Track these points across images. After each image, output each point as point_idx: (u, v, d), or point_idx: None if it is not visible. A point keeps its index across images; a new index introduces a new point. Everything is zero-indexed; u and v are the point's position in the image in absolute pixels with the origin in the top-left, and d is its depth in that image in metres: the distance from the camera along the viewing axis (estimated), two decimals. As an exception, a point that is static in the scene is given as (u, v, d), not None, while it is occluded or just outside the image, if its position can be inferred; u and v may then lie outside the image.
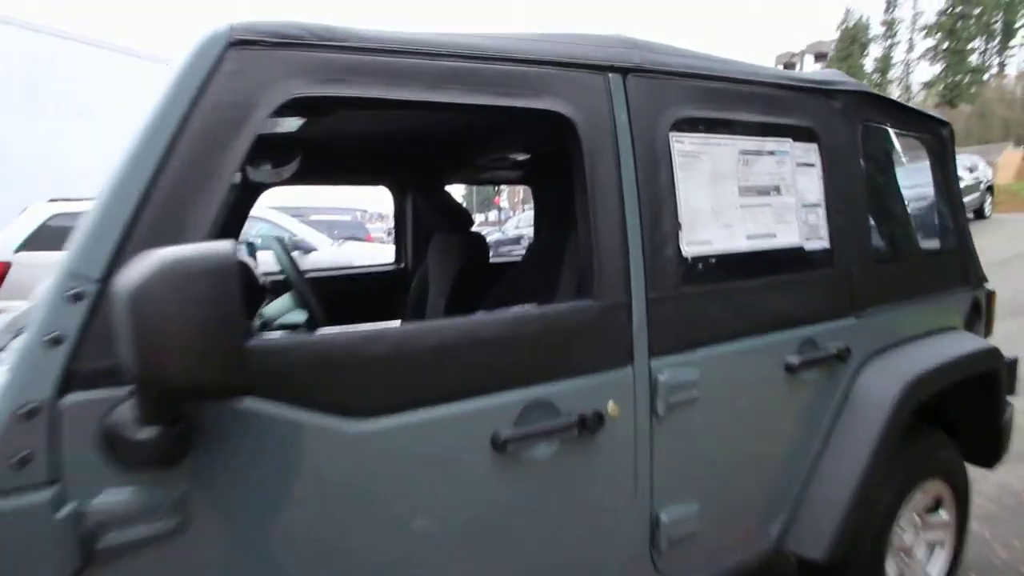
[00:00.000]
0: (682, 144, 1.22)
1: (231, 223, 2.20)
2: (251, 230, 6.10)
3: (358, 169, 2.41)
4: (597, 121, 1.10)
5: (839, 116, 1.52)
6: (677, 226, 1.19)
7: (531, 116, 1.05)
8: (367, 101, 0.90)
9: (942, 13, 30.66)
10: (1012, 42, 31.76)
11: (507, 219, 19.77)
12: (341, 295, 2.51)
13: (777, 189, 1.39)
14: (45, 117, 9.86)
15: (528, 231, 13.50)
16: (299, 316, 1.27)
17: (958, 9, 29.52)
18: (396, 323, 1.86)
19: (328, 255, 5.83)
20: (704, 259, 1.25)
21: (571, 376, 1.06)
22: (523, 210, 23.32)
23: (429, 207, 2.22)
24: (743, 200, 1.32)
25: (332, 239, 7.69)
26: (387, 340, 0.89)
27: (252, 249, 2.70)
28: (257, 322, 1.32)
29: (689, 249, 1.21)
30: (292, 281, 1.22)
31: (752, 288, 1.32)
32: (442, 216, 2.21)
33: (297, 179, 2.33)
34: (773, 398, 1.37)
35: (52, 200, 5.35)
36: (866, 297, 1.52)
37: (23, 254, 5.02)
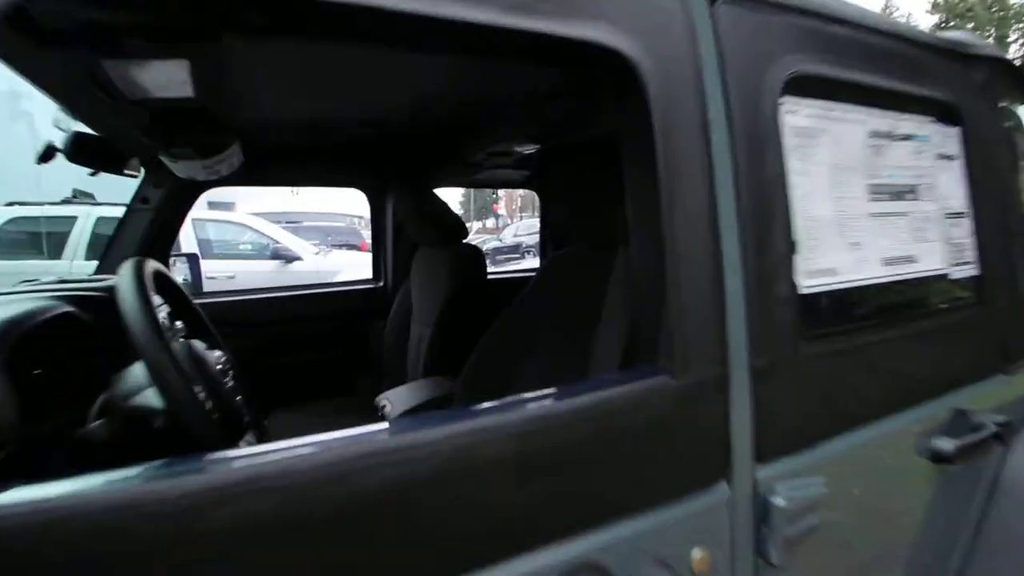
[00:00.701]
0: (796, 115, 0.77)
1: (162, 228, 1.73)
2: (231, 237, 5.64)
3: (324, 167, 1.95)
4: (672, 67, 0.65)
5: (981, 92, 1.07)
6: (791, 246, 0.73)
7: (571, 53, 0.61)
8: None
9: (935, 27, 30.80)
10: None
11: (505, 226, 19.35)
12: (303, 321, 2.04)
13: (914, 191, 0.94)
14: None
15: (527, 239, 13.10)
16: (154, 400, 0.80)
17: (951, 24, 29.56)
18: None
19: (312, 265, 5.36)
20: (828, 297, 0.79)
21: (621, 515, 0.60)
22: (520, 218, 22.92)
23: (412, 214, 1.76)
24: (874, 206, 0.87)
25: (325, 246, 7.25)
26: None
27: (194, 261, 2.25)
28: (100, 401, 0.85)
29: (809, 283, 0.76)
30: (139, 341, 0.74)
31: (891, 340, 0.86)
32: (428, 225, 1.75)
33: (245, 178, 1.87)
34: (913, 496, 0.92)
35: (9, 204, 4.89)
36: (1018, 345, 1.08)
37: None
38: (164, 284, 0.90)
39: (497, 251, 13.17)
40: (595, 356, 0.89)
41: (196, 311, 0.96)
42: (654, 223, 0.64)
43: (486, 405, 0.57)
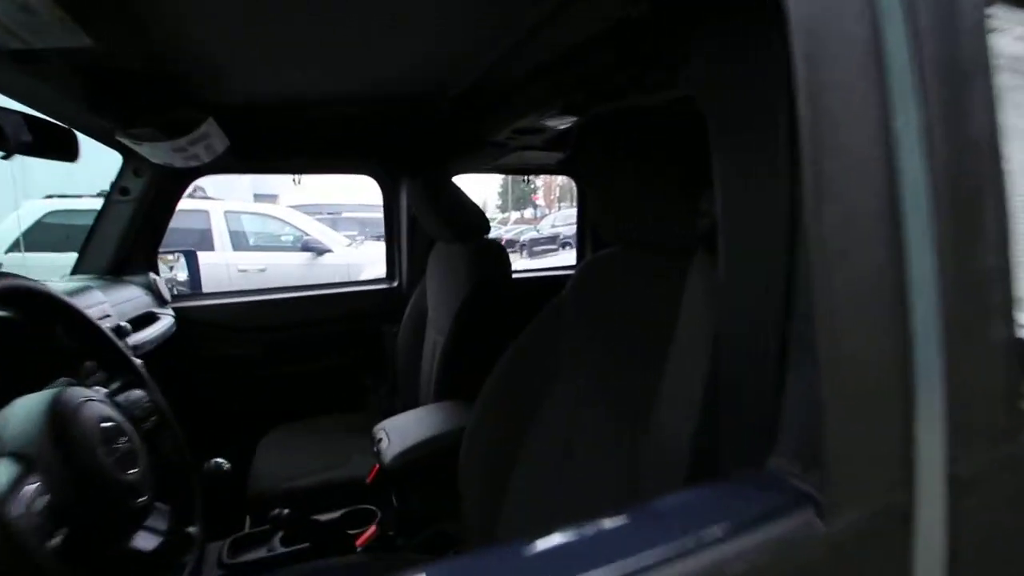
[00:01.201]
0: (1014, 39, 0.45)
1: (147, 223, 1.54)
2: (263, 229, 5.58)
3: (329, 151, 1.71)
4: None
5: None
6: (1006, 254, 0.42)
7: None
8: None
9: None
10: None
11: (543, 217, 18.98)
12: (309, 325, 1.82)
13: None
14: None
15: (565, 229, 12.72)
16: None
17: None
18: None
19: (342, 258, 5.22)
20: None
21: None
22: (559, 208, 22.45)
23: (425, 204, 1.50)
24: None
25: (362, 237, 7.13)
26: None
27: (191, 257, 2.07)
28: None
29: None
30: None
31: None
32: (443, 217, 1.48)
33: (238, 164, 1.66)
34: None
35: (48, 196, 4.95)
36: None
37: (14, 255, 4.61)
38: (47, 309, 0.67)
39: (534, 242, 12.86)
40: (665, 399, 0.61)
41: (108, 340, 0.73)
42: (774, 227, 0.34)
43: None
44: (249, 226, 5.40)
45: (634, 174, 0.73)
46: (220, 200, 5.10)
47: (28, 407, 0.54)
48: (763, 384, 0.41)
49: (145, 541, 0.58)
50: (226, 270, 4.70)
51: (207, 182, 5.48)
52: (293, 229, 5.55)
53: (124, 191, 1.49)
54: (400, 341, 1.74)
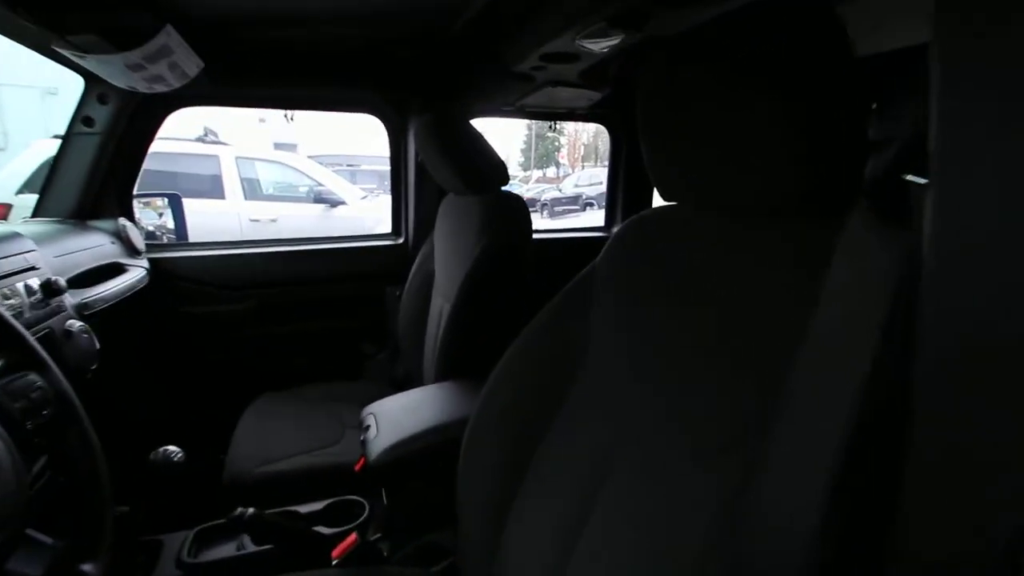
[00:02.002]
0: None
1: (116, 159, 1.34)
2: (277, 178, 5.39)
3: (326, 84, 1.46)
4: None
5: None
6: None
7: None
8: None
9: None
10: None
11: (566, 176, 18.40)
12: (305, 283, 1.64)
13: None
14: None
15: (588, 189, 12.26)
16: None
17: None
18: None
19: (355, 211, 5.02)
20: None
21: None
22: (582, 167, 21.74)
23: (436, 147, 1.26)
24: None
25: (381, 191, 6.88)
26: None
27: (175, 201, 1.87)
28: None
29: None
30: None
31: None
32: (455, 163, 1.25)
33: (222, 96, 1.44)
34: None
35: (57, 136, 4.81)
36: None
37: (27, 195, 4.51)
38: None
39: (556, 202, 12.45)
40: (783, 441, 0.39)
41: None
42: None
43: None
44: (263, 174, 5.20)
45: (721, 110, 0.49)
46: (231, 145, 4.88)
47: None
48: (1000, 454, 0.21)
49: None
50: (237, 219, 4.54)
51: (219, 127, 5.26)
52: (308, 179, 5.34)
53: (87, 121, 1.28)
54: (404, 305, 1.54)
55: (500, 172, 1.29)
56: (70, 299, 0.94)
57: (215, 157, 4.60)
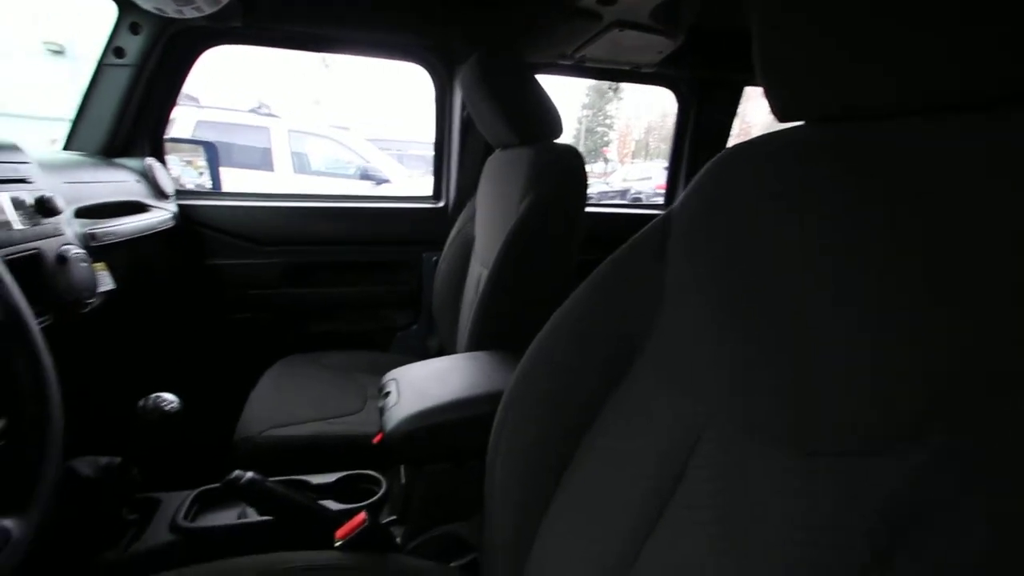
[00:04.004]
0: None
1: (149, 96, 1.27)
2: (327, 153, 5.40)
3: (368, 22, 1.34)
4: None
5: None
6: None
7: None
8: None
9: None
10: None
11: (613, 172, 17.99)
12: (339, 243, 1.54)
13: None
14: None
15: (637, 184, 11.91)
16: None
17: None
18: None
19: (401, 190, 4.97)
20: None
21: None
22: (632, 162, 21.19)
23: (483, 89, 1.12)
24: None
25: (428, 173, 6.84)
26: None
27: (211, 151, 1.81)
28: None
29: None
30: None
31: None
32: (504, 108, 1.11)
33: (256, 36, 1.34)
34: None
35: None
36: None
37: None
38: None
39: (602, 195, 12.19)
40: None
41: None
42: None
43: None
44: (313, 149, 5.23)
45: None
46: (283, 118, 4.91)
47: None
48: None
49: None
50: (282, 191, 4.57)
51: (274, 102, 5.31)
52: (356, 156, 5.34)
53: (119, 52, 1.21)
54: (440, 272, 1.41)
55: (555, 121, 1.13)
56: (74, 226, 0.86)
57: (266, 129, 4.63)
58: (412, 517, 0.81)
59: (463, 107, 1.50)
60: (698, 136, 1.76)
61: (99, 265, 0.93)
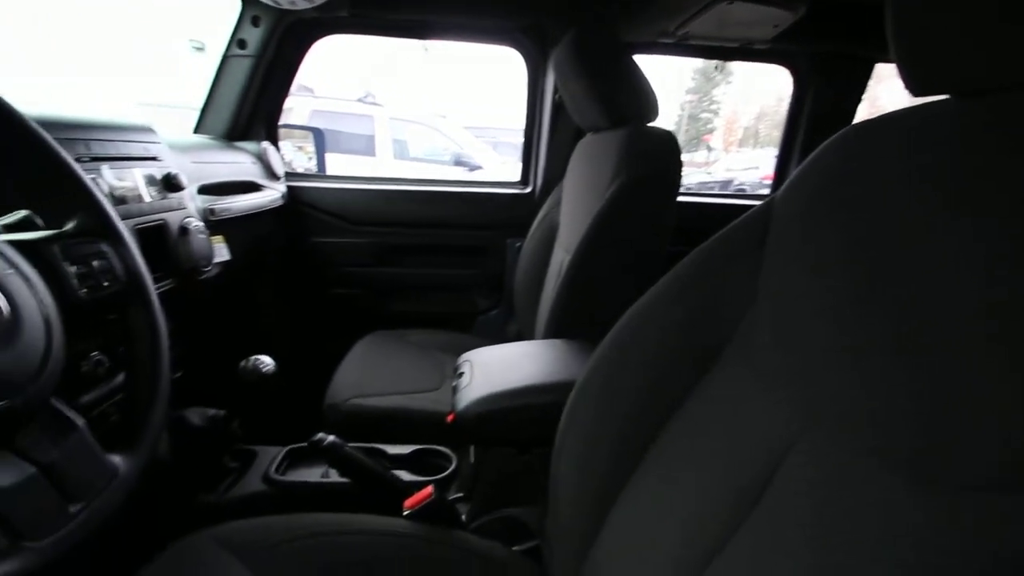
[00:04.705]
0: None
1: (266, 84, 1.38)
2: (423, 140, 5.61)
3: (461, 6, 1.35)
4: None
5: None
6: None
7: None
8: None
9: None
10: None
11: (716, 161, 16.92)
12: (425, 225, 1.58)
13: None
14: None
15: (742, 175, 11.10)
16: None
17: None
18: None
19: (490, 175, 5.05)
20: None
21: None
22: (738, 151, 19.77)
23: (576, 69, 1.09)
24: None
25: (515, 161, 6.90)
26: None
27: (318, 136, 1.92)
28: None
29: None
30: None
31: None
32: (597, 88, 1.06)
33: (362, 24, 1.40)
34: None
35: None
36: None
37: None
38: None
39: (703, 186, 11.50)
40: None
41: (69, 171, 0.49)
42: None
43: None
44: (411, 136, 5.46)
45: None
46: (385, 107, 5.17)
47: None
48: None
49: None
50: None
51: (378, 90, 5.60)
52: (451, 143, 5.49)
53: (241, 43, 1.32)
54: (522, 258, 1.41)
55: (649, 103, 1.07)
56: (196, 201, 0.96)
57: (370, 117, 4.90)
58: (478, 497, 0.82)
59: (555, 91, 1.47)
60: (816, 119, 1.59)
61: (217, 238, 1.03)
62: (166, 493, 0.79)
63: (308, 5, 1.16)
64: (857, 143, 0.41)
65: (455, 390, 0.82)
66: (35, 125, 0.48)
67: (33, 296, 0.40)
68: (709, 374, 0.48)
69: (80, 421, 0.43)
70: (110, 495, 0.42)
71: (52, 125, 0.67)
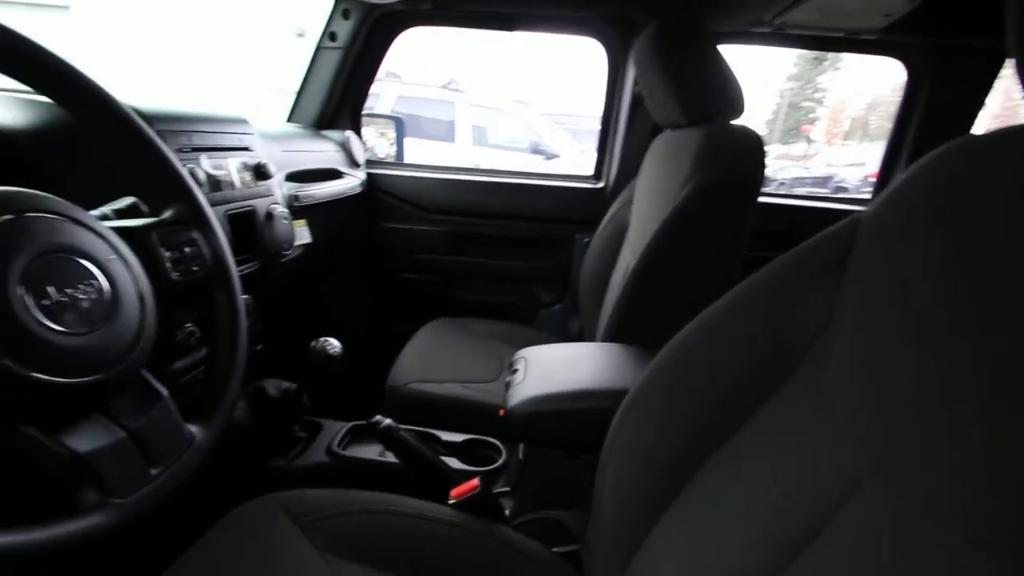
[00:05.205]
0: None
1: (353, 75, 1.44)
2: (502, 127, 5.64)
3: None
4: None
5: None
6: None
7: None
8: None
9: None
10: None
11: (817, 154, 15.59)
12: (494, 216, 1.60)
13: None
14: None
15: (844, 171, 10.14)
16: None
17: None
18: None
19: (567, 164, 4.99)
20: None
21: None
22: (842, 143, 18.07)
23: (659, 68, 1.04)
24: None
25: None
26: None
27: (399, 124, 1.98)
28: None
29: None
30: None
31: None
32: (679, 83, 1.02)
33: (446, 16, 1.42)
34: None
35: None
36: None
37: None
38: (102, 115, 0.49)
39: (798, 182, 10.61)
40: None
41: (166, 161, 0.54)
42: None
43: None
44: (491, 122, 5.51)
45: None
46: (466, 93, 5.24)
47: None
48: None
49: (83, 439, 0.40)
50: (459, 163, 4.91)
51: (461, 77, 5.69)
52: (529, 131, 5.49)
53: (332, 36, 1.39)
54: (589, 255, 1.39)
55: (733, 100, 1.01)
56: (283, 188, 1.03)
57: (451, 104, 5.00)
58: (523, 493, 0.83)
59: (635, 83, 1.42)
60: (930, 120, 1.42)
61: (300, 222, 1.10)
62: (243, 455, 0.87)
63: (398, -1, 1.20)
64: (966, 159, 0.37)
65: (508, 386, 0.83)
66: (143, 124, 0.54)
67: (132, 279, 0.46)
68: (773, 397, 0.45)
69: (165, 392, 0.48)
70: (187, 461, 0.47)
71: (162, 118, 0.74)
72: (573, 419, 0.75)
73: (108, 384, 0.42)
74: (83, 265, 0.41)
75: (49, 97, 0.47)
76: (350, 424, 1.04)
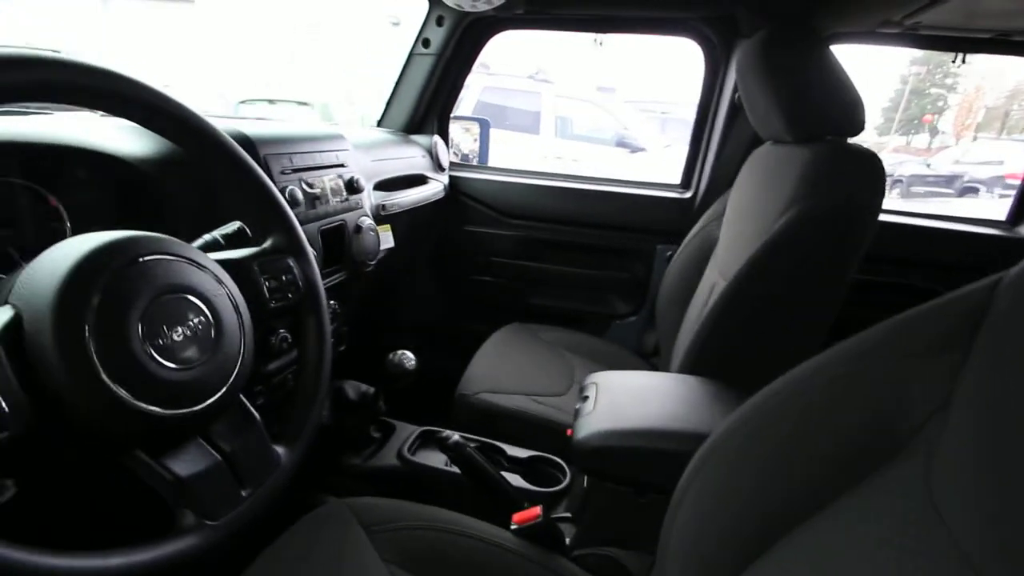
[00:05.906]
0: None
1: (443, 80, 1.47)
2: (587, 119, 5.52)
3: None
4: None
5: None
6: None
7: None
8: None
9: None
10: None
11: (942, 148, 13.82)
12: (574, 223, 1.57)
13: None
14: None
15: (975, 169, 8.92)
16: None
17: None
18: None
19: (653, 159, 4.80)
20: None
21: None
22: (974, 138, 15.87)
23: (764, 76, 0.96)
24: None
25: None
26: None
27: (484, 126, 1.98)
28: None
29: None
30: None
31: None
32: (786, 99, 0.93)
33: (538, 19, 1.40)
34: None
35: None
36: None
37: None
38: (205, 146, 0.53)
39: (918, 179, 9.45)
40: None
41: (265, 189, 0.58)
42: None
43: None
44: (575, 113, 5.41)
45: None
46: (553, 84, 5.17)
47: (68, 251, 0.41)
48: None
49: (184, 463, 0.44)
50: (542, 156, 4.88)
51: (549, 66, 5.61)
52: (615, 122, 5.33)
53: (426, 42, 1.42)
54: (671, 269, 1.33)
55: (849, 115, 0.91)
56: (371, 199, 1.07)
57: (538, 94, 4.96)
58: (585, 524, 0.82)
59: (735, 89, 1.32)
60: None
61: (384, 227, 1.14)
62: (320, 451, 0.93)
63: (488, 7, 1.19)
64: None
65: (577, 414, 0.82)
66: (250, 160, 0.57)
67: (234, 310, 0.49)
68: (872, 477, 0.40)
69: (258, 416, 0.52)
70: (274, 482, 0.51)
71: (266, 142, 0.80)
72: (644, 459, 0.72)
73: (210, 412, 0.45)
74: (193, 302, 0.45)
75: (165, 137, 0.51)
76: (421, 429, 1.08)
